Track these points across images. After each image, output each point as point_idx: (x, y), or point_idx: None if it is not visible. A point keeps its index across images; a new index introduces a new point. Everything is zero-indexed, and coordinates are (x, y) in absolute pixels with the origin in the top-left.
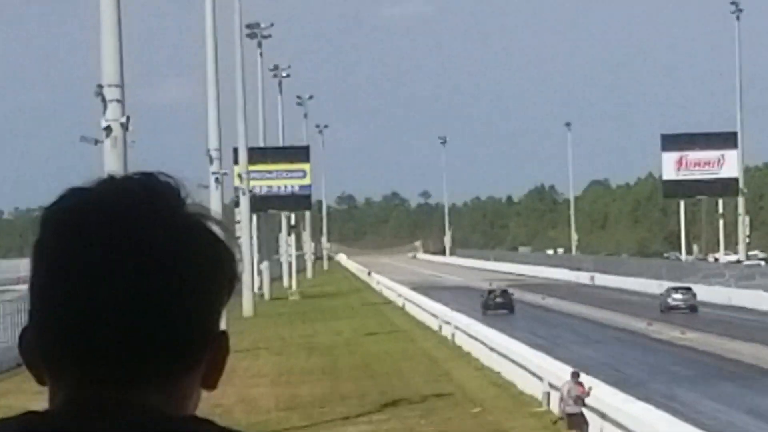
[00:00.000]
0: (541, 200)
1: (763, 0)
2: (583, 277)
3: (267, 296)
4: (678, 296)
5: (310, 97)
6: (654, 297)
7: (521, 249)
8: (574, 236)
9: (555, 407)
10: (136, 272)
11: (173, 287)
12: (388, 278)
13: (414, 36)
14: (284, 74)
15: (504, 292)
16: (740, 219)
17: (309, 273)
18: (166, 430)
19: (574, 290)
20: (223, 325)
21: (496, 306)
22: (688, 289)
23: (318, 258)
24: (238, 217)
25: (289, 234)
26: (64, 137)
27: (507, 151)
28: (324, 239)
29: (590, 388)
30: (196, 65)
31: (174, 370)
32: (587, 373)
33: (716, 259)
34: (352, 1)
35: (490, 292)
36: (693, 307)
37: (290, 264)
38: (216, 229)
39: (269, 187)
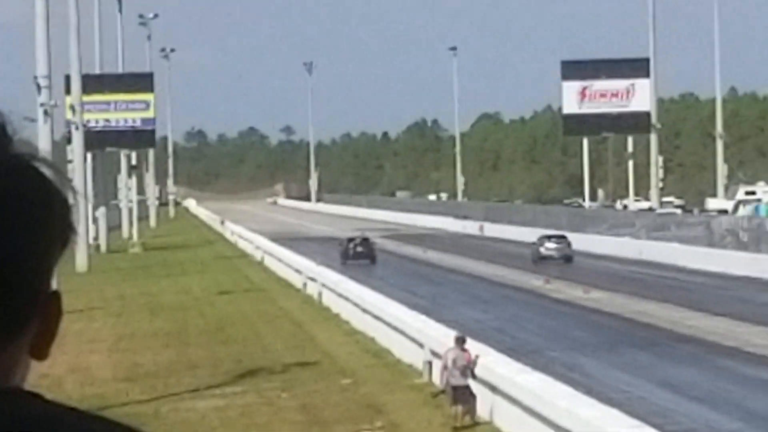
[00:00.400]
0: (422, 137)
1: None
2: (470, 227)
3: (104, 248)
4: (551, 245)
5: (155, 16)
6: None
7: (399, 194)
8: (461, 179)
9: (437, 378)
10: None
11: None
12: (245, 228)
13: None
14: None
15: (365, 241)
16: (653, 160)
17: (152, 221)
18: None
19: (461, 242)
20: (54, 284)
21: (357, 255)
22: (563, 237)
23: (163, 204)
24: (70, 156)
25: (129, 176)
26: None
27: (383, 80)
28: (170, 182)
29: (477, 356)
30: None
31: None
32: (475, 339)
33: (625, 207)
34: None
35: (350, 240)
36: (567, 257)
37: (131, 211)
38: (48, 172)
39: (107, 120)
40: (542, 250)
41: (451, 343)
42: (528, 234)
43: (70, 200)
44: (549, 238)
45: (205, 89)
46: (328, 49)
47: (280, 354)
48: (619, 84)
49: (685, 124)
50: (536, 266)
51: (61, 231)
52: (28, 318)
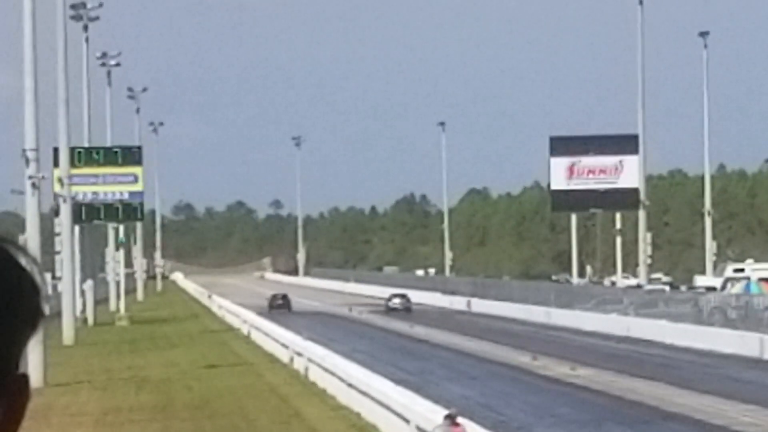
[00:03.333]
0: (410, 212)
1: None
2: (458, 303)
3: (91, 321)
4: (397, 300)
5: (144, 90)
6: (541, 326)
7: (387, 269)
8: (449, 254)
9: None
10: None
11: None
12: (232, 302)
13: (267, 19)
14: (114, 63)
15: (284, 296)
16: (641, 236)
17: (140, 294)
18: None
19: (448, 317)
20: (40, 357)
21: (278, 306)
22: (404, 295)
23: (151, 277)
24: (57, 229)
25: (117, 249)
26: None
27: (371, 155)
28: (158, 255)
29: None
30: (11, 50)
31: None
32: (462, 416)
33: (613, 283)
34: None
35: (274, 296)
36: (408, 308)
37: (118, 284)
38: (18, 255)
39: (95, 193)
40: (390, 304)
41: (439, 419)
42: (515, 310)
43: (41, 287)
44: (395, 296)
45: (193, 163)
46: (316, 123)
47: (265, 429)
48: (608, 160)
49: (674, 201)
50: (388, 314)
51: (31, 316)
52: None
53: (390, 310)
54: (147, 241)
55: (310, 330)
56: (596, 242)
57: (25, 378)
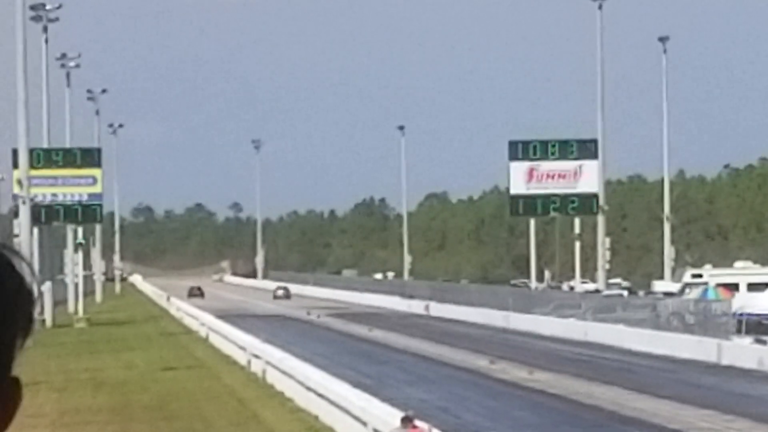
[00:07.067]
0: (369, 216)
1: None
2: (416, 306)
3: (49, 323)
4: (280, 291)
5: (104, 92)
6: (499, 330)
7: (346, 272)
8: (407, 258)
9: None
10: None
11: None
12: (190, 304)
13: (227, 23)
14: (73, 64)
15: (199, 288)
16: (600, 241)
17: (98, 296)
18: None
19: (406, 321)
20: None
21: (194, 294)
22: (286, 288)
23: (109, 279)
24: (17, 230)
25: (75, 251)
26: None
27: (330, 159)
28: (116, 257)
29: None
30: None
31: None
32: (420, 419)
33: (571, 288)
34: None
35: (192, 287)
36: (288, 296)
37: (77, 286)
38: (16, 262)
39: (54, 195)
40: (276, 293)
41: (397, 423)
42: (474, 314)
43: (34, 291)
44: (279, 288)
45: (153, 165)
46: (276, 126)
47: (222, 431)
48: (567, 165)
49: (633, 206)
50: (274, 301)
51: (24, 323)
52: None
53: (275, 298)
54: (106, 243)
55: (268, 333)
56: (555, 247)
57: (17, 381)
